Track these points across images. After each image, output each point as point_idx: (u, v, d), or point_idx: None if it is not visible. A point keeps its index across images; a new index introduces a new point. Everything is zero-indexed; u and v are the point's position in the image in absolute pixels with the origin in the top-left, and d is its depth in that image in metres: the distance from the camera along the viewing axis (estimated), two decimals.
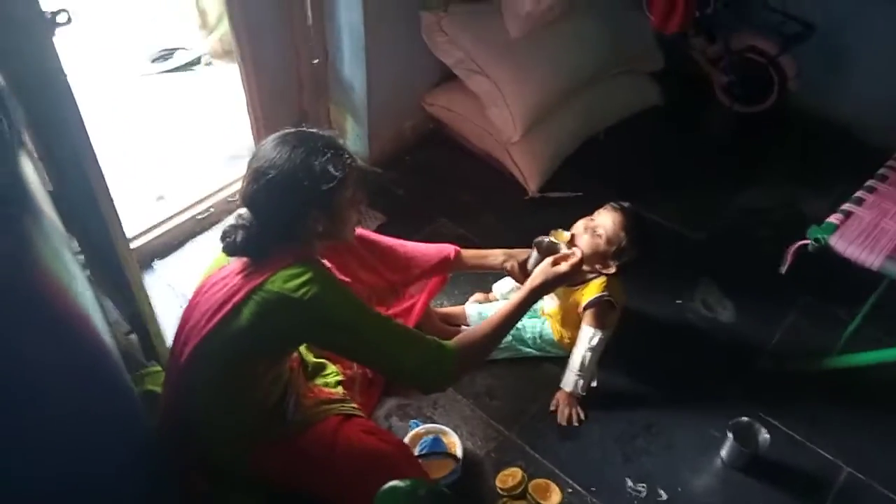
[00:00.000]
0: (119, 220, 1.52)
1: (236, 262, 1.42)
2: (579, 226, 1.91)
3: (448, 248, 1.90)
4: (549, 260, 1.69)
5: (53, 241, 1.19)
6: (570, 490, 1.80)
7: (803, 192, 2.75)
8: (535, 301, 1.66)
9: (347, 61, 2.48)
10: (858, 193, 1.90)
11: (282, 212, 1.38)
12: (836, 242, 1.74)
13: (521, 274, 1.88)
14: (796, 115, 3.07)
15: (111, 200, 1.48)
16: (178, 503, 1.58)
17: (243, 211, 1.41)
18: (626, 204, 1.93)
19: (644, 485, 1.83)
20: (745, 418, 1.88)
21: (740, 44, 2.95)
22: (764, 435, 1.84)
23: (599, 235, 1.87)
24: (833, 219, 1.80)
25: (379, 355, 1.46)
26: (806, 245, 1.77)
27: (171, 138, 2.82)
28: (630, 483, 1.83)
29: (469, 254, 1.93)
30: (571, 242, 1.86)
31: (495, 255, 1.93)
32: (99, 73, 3.10)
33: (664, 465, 1.88)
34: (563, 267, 1.66)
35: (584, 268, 1.87)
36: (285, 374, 1.58)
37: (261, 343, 1.41)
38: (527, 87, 2.52)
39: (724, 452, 1.89)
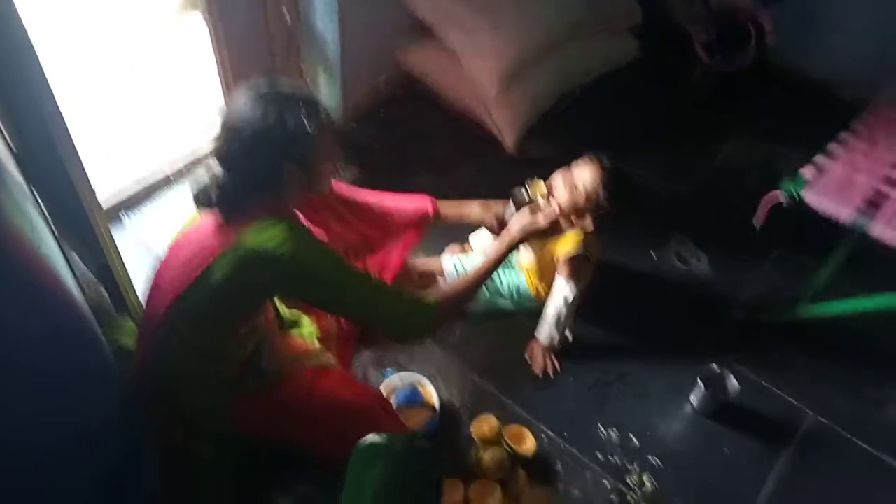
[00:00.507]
0: (85, 171, 1.48)
1: (209, 217, 1.40)
2: (557, 177, 1.88)
3: (426, 205, 1.89)
4: (525, 210, 1.69)
5: (15, 194, 1.17)
6: (543, 436, 1.84)
7: (780, 148, 2.77)
8: (511, 251, 1.67)
9: (320, 15, 2.41)
10: (830, 147, 1.91)
11: (255, 166, 1.35)
12: (809, 196, 1.76)
13: (499, 225, 1.88)
14: (775, 72, 3.07)
15: (76, 152, 1.44)
16: (157, 458, 1.58)
17: (215, 165, 1.39)
18: (605, 157, 1.88)
19: (616, 430, 1.88)
20: (714, 366, 1.92)
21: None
22: (733, 382, 1.89)
23: (578, 190, 1.85)
24: (805, 172, 1.82)
25: (356, 307, 1.45)
26: (779, 198, 1.79)
27: (138, 93, 2.74)
28: (602, 429, 1.88)
29: (446, 206, 1.92)
30: (549, 194, 1.85)
31: (472, 207, 1.92)
32: (61, 27, 2.98)
33: (636, 413, 1.92)
34: (540, 220, 1.68)
35: (561, 221, 1.87)
36: (260, 327, 1.58)
37: (236, 297, 1.40)
38: (504, 41, 2.48)
39: (694, 400, 1.94)
